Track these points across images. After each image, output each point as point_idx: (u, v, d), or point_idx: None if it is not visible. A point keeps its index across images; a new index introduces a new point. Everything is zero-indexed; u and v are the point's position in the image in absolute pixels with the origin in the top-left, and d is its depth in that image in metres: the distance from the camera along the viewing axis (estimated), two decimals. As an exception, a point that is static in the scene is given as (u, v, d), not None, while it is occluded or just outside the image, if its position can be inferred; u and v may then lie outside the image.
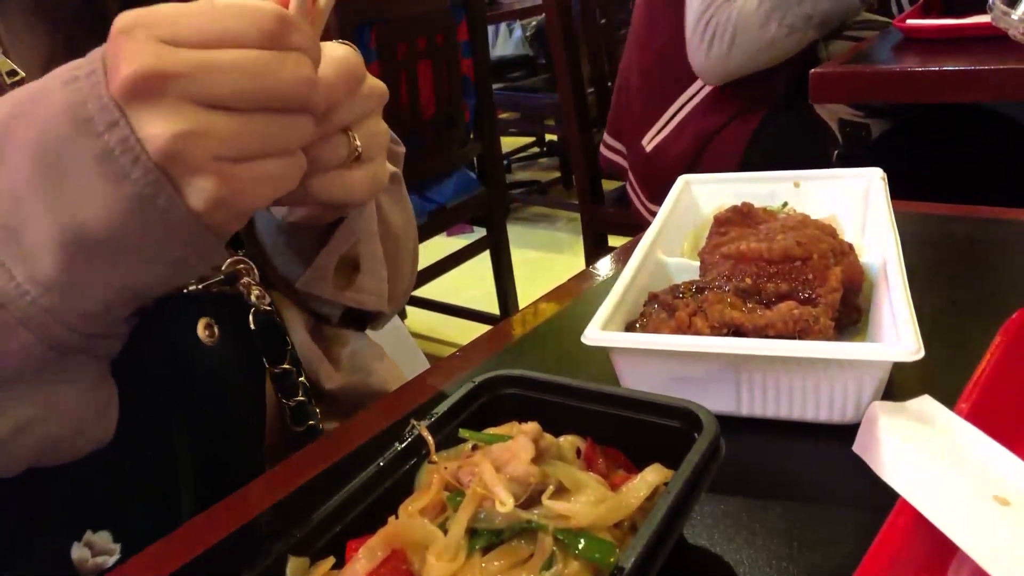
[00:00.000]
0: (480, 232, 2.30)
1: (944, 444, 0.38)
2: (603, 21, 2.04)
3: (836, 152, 1.57)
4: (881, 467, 0.38)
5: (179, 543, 0.49)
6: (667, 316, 0.53)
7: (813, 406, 0.49)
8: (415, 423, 0.42)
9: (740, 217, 0.65)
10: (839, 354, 0.47)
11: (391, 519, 0.38)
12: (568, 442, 0.41)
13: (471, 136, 2.14)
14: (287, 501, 0.51)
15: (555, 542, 0.35)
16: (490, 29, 3.83)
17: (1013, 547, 0.32)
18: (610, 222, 1.93)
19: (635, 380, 0.52)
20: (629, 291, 0.57)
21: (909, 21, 1.32)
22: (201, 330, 0.57)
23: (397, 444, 0.41)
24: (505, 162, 3.98)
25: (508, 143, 4.03)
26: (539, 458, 0.38)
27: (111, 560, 0.52)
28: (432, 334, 2.63)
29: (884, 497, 0.36)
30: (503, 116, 3.59)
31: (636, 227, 1.78)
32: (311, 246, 0.63)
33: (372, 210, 0.66)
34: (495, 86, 2.58)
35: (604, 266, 0.79)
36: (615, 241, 1.93)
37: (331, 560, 0.37)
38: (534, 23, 3.85)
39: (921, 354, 0.45)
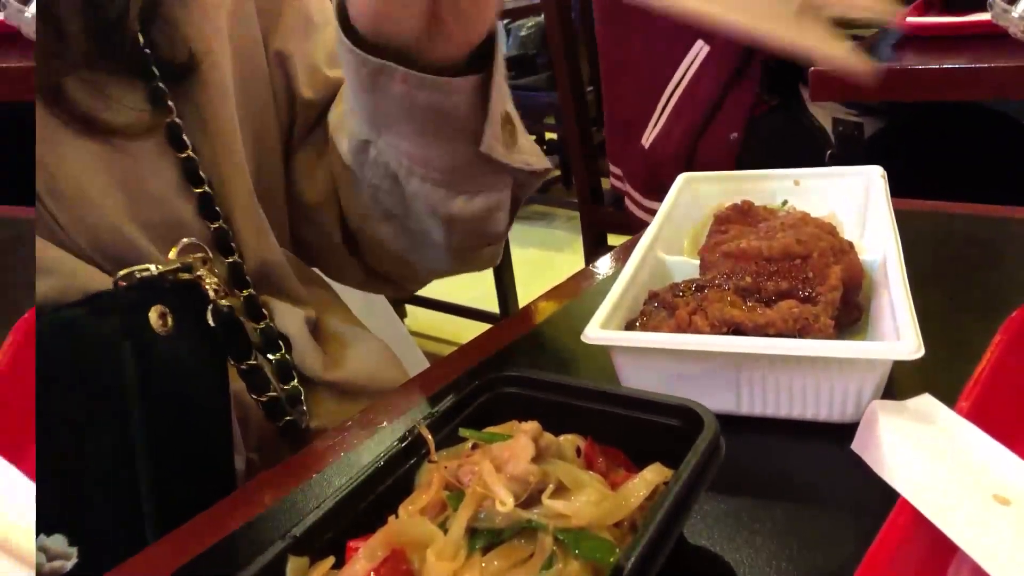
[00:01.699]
0: None
1: (944, 443, 0.38)
2: None
3: (829, 152, 1.57)
4: (880, 466, 0.38)
5: (178, 542, 0.49)
6: (667, 315, 0.53)
7: (813, 405, 0.49)
8: (415, 422, 0.42)
9: (740, 215, 0.65)
10: (839, 353, 0.47)
11: (391, 518, 0.38)
12: (568, 441, 0.41)
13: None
14: (287, 501, 0.51)
15: (555, 541, 0.35)
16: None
17: (1013, 547, 0.32)
18: (610, 221, 1.93)
19: (635, 378, 0.52)
20: (629, 290, 0.57)
21: (909, 19, 1.32)
22: (154, 319, 0.55)
23: (397, 443, 0.41)
24: (504, 161, 3.97)
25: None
26: (539, 457, 0.38)
27: (68, 564, 0.50)
28: (432, 333, 2.63)
29: (884, 497, 0.35)
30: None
31: (635, 226, 1.79)
32: (471, 108, 0.60)
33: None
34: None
35: (604, 265, 0.79)
36: (614, 240, 1.93)
37: (331, 560, 0.36)
38: (531, 23, 3.83)
39: (921, 352, 0.45)
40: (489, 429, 0.42)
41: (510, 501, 0.35)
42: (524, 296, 2.35)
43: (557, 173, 4.03)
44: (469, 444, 0.41)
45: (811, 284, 0.53)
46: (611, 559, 0.34)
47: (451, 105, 0.59)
